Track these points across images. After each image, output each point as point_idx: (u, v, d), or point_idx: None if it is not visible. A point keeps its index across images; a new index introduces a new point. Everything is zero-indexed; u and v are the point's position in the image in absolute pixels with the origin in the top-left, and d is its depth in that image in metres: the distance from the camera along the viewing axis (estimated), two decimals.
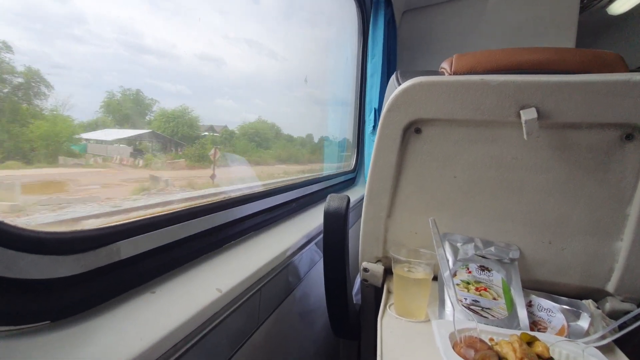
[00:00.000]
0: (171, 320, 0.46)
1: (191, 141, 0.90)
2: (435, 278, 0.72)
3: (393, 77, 0.73)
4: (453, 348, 0.52)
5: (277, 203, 1.01)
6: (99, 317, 0.44)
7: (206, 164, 0.96)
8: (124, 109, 0.69)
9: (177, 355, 0.46)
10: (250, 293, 0.64)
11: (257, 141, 1.19)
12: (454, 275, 0.69)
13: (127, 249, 0.50)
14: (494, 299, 0.64)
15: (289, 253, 0.85)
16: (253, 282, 0.66)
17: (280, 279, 0.79)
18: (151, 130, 0.77)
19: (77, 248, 0.43)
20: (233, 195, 0.82)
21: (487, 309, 0.63)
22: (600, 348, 0.52)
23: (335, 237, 0.78)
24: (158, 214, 0.57)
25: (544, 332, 0.62)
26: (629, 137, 0.59)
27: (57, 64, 0.59)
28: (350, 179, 2.01)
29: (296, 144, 1.59)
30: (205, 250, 0.67)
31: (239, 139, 1.11)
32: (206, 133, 0.98)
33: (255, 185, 1.12)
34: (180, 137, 0.83)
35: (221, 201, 0.74)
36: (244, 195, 0.84)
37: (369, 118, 1.93)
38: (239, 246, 0.76)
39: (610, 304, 0.66)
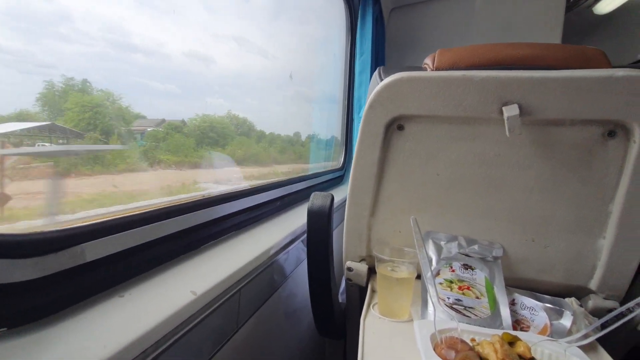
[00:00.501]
0: (140, 325, 0.44)
1: (115, 136, 0.71)
2: (419, 277, 0.71)
3: (376, 73, 0.71)
4: (434, 349, 0.50)
5: (261, 202, 0.99)
6: (60, 324, 0.42)
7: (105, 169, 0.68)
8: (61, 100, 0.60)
9: None
10: (229, 294, 0.62)
11: (213, 138, 1.02)
12: (437, 274, 0.68)
13: (93, 251, 0.47)
14: (477, 297, 0.63)
15: (272, 252, 0.83)
16: (232, 283, 0.64)
17: (262, 278, 0.77)
18: (51, 122, 0.60)
19: (35, 251, 0.41)
20: (213, 193, 0.79)
21: (469, 308, 0.62)
22: (582, 347, 0.51)
23: (319, 236, 0.77)
24: (128, 214, 0.55)
25: (526, 330, 0.62)
26: (611, 133, 0.59)
27: (43, 62, 0.57)
28: (338, 177, 1.99)
29: (267, 141, 1.43)
30: (181, 251, 0.65)
31: (178, 136, 0.89)
32: (151, 128, 0.82)
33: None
34: (101, 131, 0.66)
35: (199, 200, 0.71)
36: (224, 194, 0.82)
37: (358, 116, 1.92)
38: (218, 247, 0.74)
39: (593, 302, 0.66)
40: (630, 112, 0.55)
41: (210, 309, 0.56)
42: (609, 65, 0.58)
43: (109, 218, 0.51)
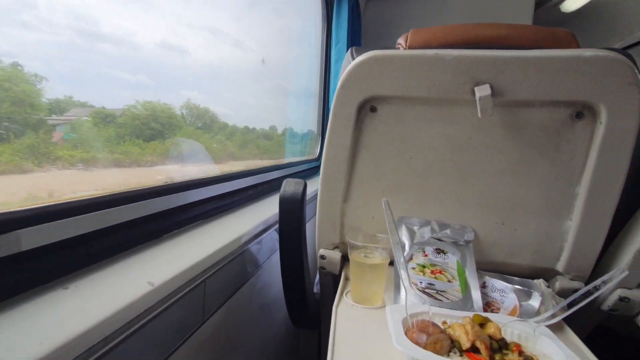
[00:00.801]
0: (86, 320, 0.39)
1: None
2: (392, 263, 0.70)
3: (348, 53, 0.69)
4: (406, 333, 0.49)
5: (231, 190, 0.95)
6: None
7: None
8: None
9: (94, 358, 0.39)
10: (193, 285, 0.58)
11: (157, 129, 0.84)
12: (410, 259, 0.67)
13: (31, 238, 0.42)
14: (449, 281, 0.63)
15: (242, 241, 0.79)
16: (196, 273, 0.60)
17: (231, 269, 0.73)
18: None
19: None
20: (177, 180, 0.74)
21: (442, 291, 0.61)
22: (550, 326, 0.52)
23: (291, 223, 0.74)
24: (76, 199, 0.49)
25: (497, 312, 0.62)
26: (579, 115, 0.59)
27: (4, 52, 0.51)
28: (314, 168, 1.97)
29: (226, 134, 1.25)
30: (139, 240, 0.60)
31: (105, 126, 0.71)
32: (74, 117, 0.64)
33: None
34: None
35: (161, 186, 0.66)
36: (190, 181, 0.77)
37: None
38: (183, 235, 0.70)
39: (559, 283, 0.67)
40: (597, 93, 0.55)
41: (171, 301, 0.52)
42: (578, 46, 0.59)
43: (51, 203, 0.46)
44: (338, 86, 0.63)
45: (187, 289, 0.57)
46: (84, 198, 0.51)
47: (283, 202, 0.74)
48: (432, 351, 0.46)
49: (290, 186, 0.75)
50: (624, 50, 0.56)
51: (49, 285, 0.44)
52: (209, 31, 1.11)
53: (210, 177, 0.87)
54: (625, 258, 0.64)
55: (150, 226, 0.64)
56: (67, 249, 0.47)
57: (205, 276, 0.62)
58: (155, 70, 0.89)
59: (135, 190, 0.61)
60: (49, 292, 0.43)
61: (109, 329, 0.41)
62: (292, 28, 1.92)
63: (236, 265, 0.77)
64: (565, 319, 0.54)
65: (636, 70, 0.54)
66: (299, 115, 2.06)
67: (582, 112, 0.59)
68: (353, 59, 0.63)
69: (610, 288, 0.66)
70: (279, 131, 1.78)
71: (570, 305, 0.51)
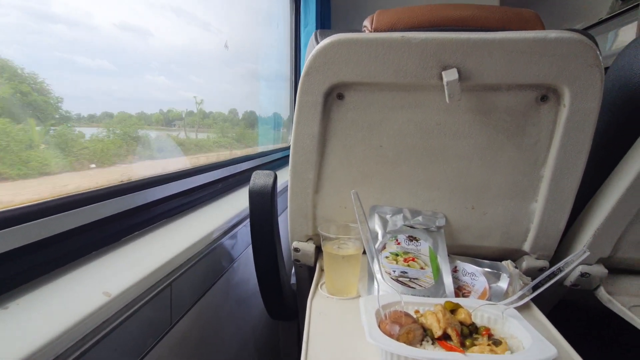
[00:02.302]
0: (30, 342, 0.36)
1: None
2: (365, 252, 0.69)
3: (312, 37, 0.65)
4: (379, 325, 0.49)
5: (198, 184, 0.91)
6: None
7: None
8: None
9: None
10: (157, 290, 0.55)
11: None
12: (384, 247, 0.67)
13: None
14: (422, 268, 0.63)
15: (213, 238, 0.76)
16: (160, 277, 0.56)
17: (201, 268, 0.70)
18: None
19: None
20: (134, 178, 0.69)
21: (414, 279, 0.62)
22: (518, 307, 0.53)
23: (262, 217, 0.72)
24: (15, 206, 0.44)
25: (467, 296, 0.63)
26: (543, 98, 0.59)
27: None
28: (287, 156, 1.93)
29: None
30: (93, 247, 0.55)
31: None
32: None
33: None
34: None
35: (114, 186, 0.61)
36: (150, 178, 0.73)
37: None
38: (143, 238, 0.66)
39: (526, 263, 0.70)
40: (561, 76, 0.55)
41: (131, 310, 0.49)
42: (543, 28, 0.58)
43: None
44: (302, 73, 0.60)
45: (151, 295, 0.53)
46: (23, 205, 0.46)
47: (253, 196, 0.71)
48: (405, 342, 0.46)
49: (259, 179, 0.72)
50: (585, 31, 0.56)
51: None
52: (172, 11, 1.03)
53: (175, 172, 0.83)
54: (586, 237, 0.67)
55: (107, 229, 0.59)
56: (6, 263, 0.42)
57: (171, 278, 0.59)
58: (117, 53, 0.82)
59: (86, 192, 0.56)
60: None
61: (58, 348, 0.38)
62: (261, 9, 1.83)
63: (207, 262, 0.74)
64: (532, 299, 0.55)
65: (597, 52, 0.54)
66: (269, 100, 1.99)
67: (547, 95, 0.59)
68: (317, 43, 0.60)
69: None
70: (240, 115, 1.69)
71: (536, 287, 0.53)
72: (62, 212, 0.49)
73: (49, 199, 0.50)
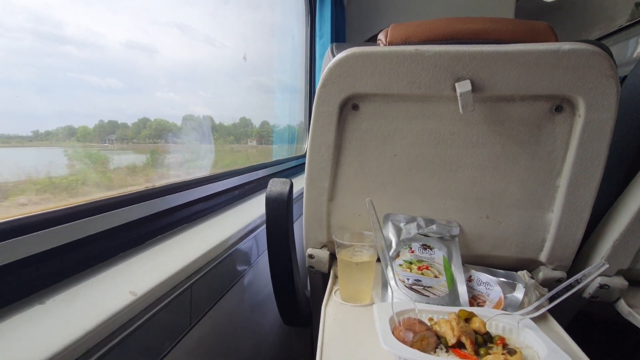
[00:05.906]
0: (64, 335, 0.38)
1: None
2: (379, 259, 0.70)
3: (328, 50, 0.68)
4: (393, 332, 0.49)
5: (217, 191, 0.94)
6: None
7: None
8: None
9: None
10: (179, 291, 0.58)
11: None
12: (397, 255, 0.67)
13: (3, 254, 0.40)
14: (436, 276, 0.63)
15: (229, 243, 0.78)
16: (181, 279, 0.59)
17: (219, 272, 0.73)
18: None
19: None
20: (157, 184, 0.73)
21: (428, 287, 0.62)
22: (534, 317, 0.53)
23: (278, 223, 0.74)
24: (51, 210, 0.48)
25: (482, 305, 0.63)
26: (558, 108, 0.60)
27: None
28: (302, 164, 1.96)
29: None
30: (120, 249, 0.59)
31: None
32: None
33: None
34: None
35: (139, 192, 0.65)
36: (173, 184, 0.76)
37: None
38: (168, 240, 0.69)
39: (543, 273, 0.69)
40: (575, 86, 0.56)
41: (155, 309, 0.51)
42: (557, 39, 0.59)
43: (23, 216, 0.44)
44: (319, 85, 0.63)
45: (173, 296, 0.56)
46: (59, 208, 0.49)
47: (269, 202, 0.73)
48: (419, 349, 0.46)
49: (276, 186, 0.74)
50: (599, 42, 0.56)
51: (25, 301, 0.43)
52: (177, 27, 1.07)
53: (192, 180, 0.86)
54: (605, 248, 0.66)
55: (132, 233, 0.62)
56: (43, 262, 0.45)
57: (191, 281, 0.61)
58: (126, 71, 0.84)
59: (114, 198, 0.59)
60: (25, 309, 0.42)
61: (90, 342, 0.40)
62: (274, 23, 1.88)
63: (225, 266, 0.76)
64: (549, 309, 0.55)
65: (612, 62, 0.54)
66: (283, 111, 2.03)
67: (561, 105, 0.59)
68: (333, 56, 0.62)
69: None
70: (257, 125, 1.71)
71: (553, 298, 0.52)
72: (90, 215, 0.53)
73: (79, 204, 0.53)
